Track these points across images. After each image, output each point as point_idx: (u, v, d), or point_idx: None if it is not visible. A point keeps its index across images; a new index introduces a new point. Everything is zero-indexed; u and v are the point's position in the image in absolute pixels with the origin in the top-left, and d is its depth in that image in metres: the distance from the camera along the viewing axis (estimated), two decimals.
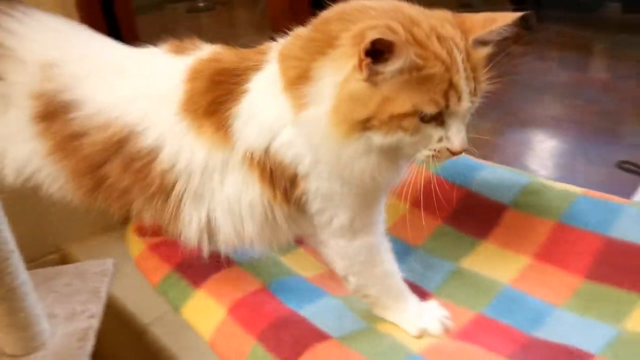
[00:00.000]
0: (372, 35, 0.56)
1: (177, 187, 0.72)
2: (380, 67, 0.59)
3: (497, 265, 0.91)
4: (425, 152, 0.64)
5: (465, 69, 0.61)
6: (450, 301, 0.87)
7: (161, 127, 0.71)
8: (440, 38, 0.60)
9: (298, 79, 0.64)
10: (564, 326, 0.79)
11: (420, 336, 0.80)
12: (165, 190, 0.73)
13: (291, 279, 0.92)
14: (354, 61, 0.59)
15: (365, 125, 0.61)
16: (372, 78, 0.59)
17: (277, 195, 0.71)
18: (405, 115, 0.60)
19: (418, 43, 0.59)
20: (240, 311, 0.83)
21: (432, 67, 0.59)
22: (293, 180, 0.70)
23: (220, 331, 0.82)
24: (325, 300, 0.87)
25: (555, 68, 2.93)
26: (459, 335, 0.81)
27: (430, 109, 0.60)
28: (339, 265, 0.80)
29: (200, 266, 0.92)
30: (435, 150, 0.63)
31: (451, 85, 0.60)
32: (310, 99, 0.64)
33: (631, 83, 2.77)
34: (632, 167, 1.81)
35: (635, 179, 1.72)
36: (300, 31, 0.69)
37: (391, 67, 0.58)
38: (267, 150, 0.69)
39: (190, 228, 0.75)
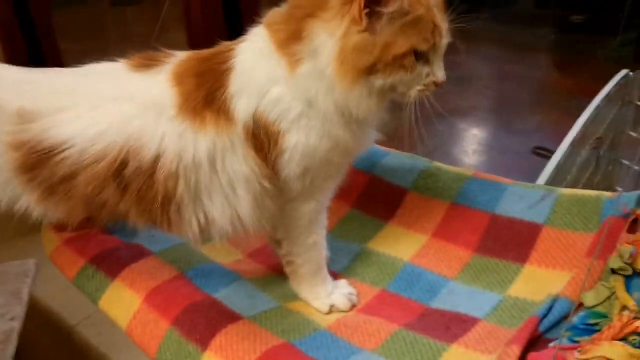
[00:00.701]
0: None
1: (179, 189, 0.74)
2: (382, 9, 0.67)
3: (400, 244, 0.98)
4: (418, 88, 0.74)
5: (439, 11, 0.72)
6: (357, 280, 0.93)
7: (160, 135, 0.73)
8: None
9: (290, 40, 0.72)
10: (456, 296, 0.87)
11: (329, 313, 0.87)
12: (168, 198, 0.75)
13: (207, 265, 0.95)
14: (354, 15, 0.68)
15: (371, 70, 0.70)
16: (371, 27, 0.68)
17: (262, 163, 0.76)
18: (405, 55, 0.70)
19: None
20: (155, 298, 0.86)
21: (418, 10, 0.70)
22: (276, 139, 0.75)
23: (136, 319, 0.85)
24: (239, 283, 0.91)
25: (473, 61, 3.08)
26: (363, 310, 0.87)
27: (424, 47, 0.71)
28: (281, 230, 0.85)
29: (115, 258, 0.94)
30: (424, 85, 0.74)
31: (435, 25, 0.71)
32: (305, 55, 0.71)
33: (544, 73, 2.96)
34: (545, 153, 1.95)
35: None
36: (278, 8, 0.76)
37: (390, 9, 0.67)
38: (255, 114, 0.74)
39: (191, 226, 0.78)
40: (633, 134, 1.48)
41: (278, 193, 0.79)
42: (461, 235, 0.95)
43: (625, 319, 0.68)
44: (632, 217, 0.78)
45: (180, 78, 0.75)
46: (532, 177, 1.02)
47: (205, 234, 0.80)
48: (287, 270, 0.89)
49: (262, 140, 0.75)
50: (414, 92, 0.74)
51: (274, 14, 0.76)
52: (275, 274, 0.95)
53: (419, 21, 0.70)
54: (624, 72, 1.45)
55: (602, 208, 0.86)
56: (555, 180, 1.33)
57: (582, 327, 0.72)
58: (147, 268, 0.93)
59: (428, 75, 0.73)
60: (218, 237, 0.80)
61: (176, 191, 0.75)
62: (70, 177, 0.74)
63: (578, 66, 2.92)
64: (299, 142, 0.75)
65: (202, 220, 0.78)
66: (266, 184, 0.76)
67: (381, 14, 0.68)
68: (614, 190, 1.55)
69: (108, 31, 3.76)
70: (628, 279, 0.73)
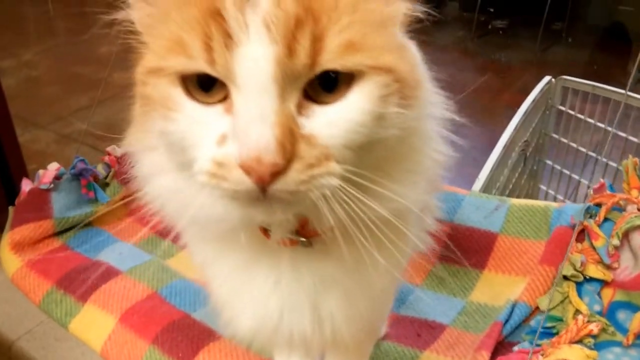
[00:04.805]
0: None
1: None
2: None
3: None
4: (195, 168, 0.36)
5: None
6: None
7: None
8: None
9: None
10: (423, 303, 0.93)
11: None
12: None
13: (179, 282, 0.95)
14: None
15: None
16: None
17: None
18: (150, 73, 0.37)
19: None
20: (131, 318, 0.85)
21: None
22: None
23: (112, 340, 0.84)
24: None
25: None
26: None
27: (174, 61, 0.35)
28: None
29: (83, 279, 0.92)
30: (213, 162, 0.35)
31: (215, 15, 0.34)
32: None
33: (473, 76, 3.11)
34: None
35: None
36: None
37: None
38: None
39: None
40: (555, 136, 1.62)
41: None
42: None
43: (580, 323, 0.76)
44: (579, 228, 0.87)
45: None
46: (469, 179, 1.12)
47: None
48: None
49: None
50: (196, 168, 0.36)
51: None
52: None
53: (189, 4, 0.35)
54: (547, 78, 1.57)
55: (550, 217, 0.95)
56: (490, 181, 1.44)
57: (540, 330, 0.80)
58: (119, 288, 0.92)
59: (225, 138, 0.35)
60: None
61: None
62: None
63: (500, 70, 3.09)
64: None
65: None
66: None
67: None
68: (538, 188, 1.70)
69: (27, 24, 3.55)
70: (579, 285, 0.81)
